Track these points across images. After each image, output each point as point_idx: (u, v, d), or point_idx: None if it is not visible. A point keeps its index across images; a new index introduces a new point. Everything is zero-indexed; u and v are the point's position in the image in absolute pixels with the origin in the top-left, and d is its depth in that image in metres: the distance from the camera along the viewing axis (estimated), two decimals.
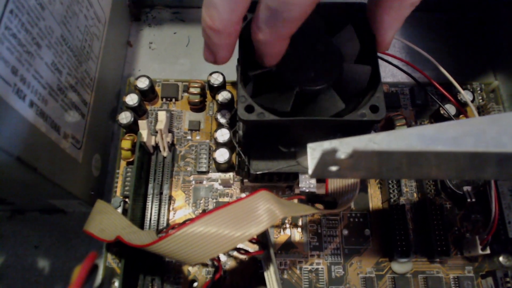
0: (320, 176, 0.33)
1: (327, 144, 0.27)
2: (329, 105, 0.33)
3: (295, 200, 0.39)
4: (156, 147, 0.43)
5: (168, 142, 0.43)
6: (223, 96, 0.44)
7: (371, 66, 0.34)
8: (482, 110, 0.47)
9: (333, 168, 0.26)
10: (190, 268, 0.40)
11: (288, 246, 0.41)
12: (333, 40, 0.34)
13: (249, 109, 0.31)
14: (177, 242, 0.29)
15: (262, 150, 0.37)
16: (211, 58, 0.31)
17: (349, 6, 0.35)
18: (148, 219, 0.40)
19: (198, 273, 0.40)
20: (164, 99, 0.47)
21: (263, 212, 0.28)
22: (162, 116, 0.42)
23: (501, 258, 0.41)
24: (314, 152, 0.28)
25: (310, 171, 0.26)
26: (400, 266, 0.40)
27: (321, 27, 0.35)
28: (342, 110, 0.33)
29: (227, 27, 0.28)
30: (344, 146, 0.25)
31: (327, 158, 0.25)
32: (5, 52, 0.26)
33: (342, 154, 0.24)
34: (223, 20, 0.27)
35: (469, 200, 0.40)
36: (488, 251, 0.39)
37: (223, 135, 0.41)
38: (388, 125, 0.44)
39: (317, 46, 0.33)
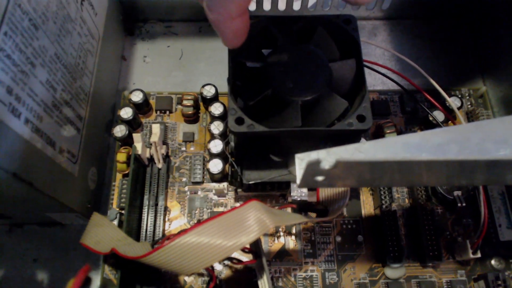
0: (309, 185, 0.34)
1: (314, 155, 0.28)
2: (332, 107, 0.34)
3: (288, 209, 0.40)
4: (151, 159, 0.43)
5: (163, 154, 0.43)
6: (215, 107, 0.44)
7: (358, 77, 0.35)
8: (471, 116, 0.48)
9: (320, 178, 0.27)
10: (186, 278, 0.41)
11: (282, 254, 0.42)
12: (311, 46, 0.35)
13: (239, 121, 0.32)
14: (170, 253, 0.29)
15: (254, 160, 0.38)
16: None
17: (336, 18, 0.36)
18: (144, 230, 0.41)
19: (194, 282, 0.40)
20: (158, 112, 0.48)
21: (253, 222, 0.29)
22: (156, 128, 0.43)
23: (492, 261, 0.42)
24: (301, 162, 0.29)
25: (298, 181, 0.27)
26: (393, 271, 0.41)
27: (294, 38, 0.36)
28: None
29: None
30: (331, 156, 0.26)
31: (313, 168, 0.25)
32: (0, 73, 0.27)
33: (326, 165, 0.25)
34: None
35: (459, 204, 0.41)
36: (479, 255, 0.39)
37: (216, 146, 0.42)
38: (378, 132, 0.45)
39: (299, 56, 0.34)
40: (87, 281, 0.26)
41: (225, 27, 0.29)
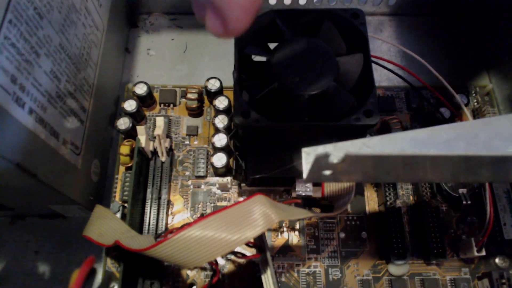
0: (316, 180, 0.34)
1: (321, 149, 0.27)
2: (339, 102, 0.34)
3: (292, 204, 0.39)
4: (155, 152, 0.43)
5: (166, 147, 0.43)
6: (220, 101, 0.44)
7: (365, 71, 0.35)
8: (477, 113, 0.47)
9: (327, 172, 0.26)
10: (188, 272, 0.40)
11: (286, 249, 0.42)
12: (318, 40, 0.34)
13: (245, 114, 0.32)
14: (174, 246, 0.29)
15: (259, 155, 0.38)
16: (219, 28, 0.23)
17: (344, 12, 0.36)
18: (147, 224, 0.41)
19: (197, 276, 0.40)
20: (162, 105, 0.47)
21: (258, 216, 0.29)
22: (160, 121, 0.42)
23: (497, 260, 0.41)
24: (308, 156, 0.28)
25: (305, 175, 0.27)
26: (397, 269, 0.40)
27: (301, 32, 0.36)
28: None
29: None
30: (338, 151, 0.26)
31: (321, 162, 0.25)
32: (4, 62, 0.27)
33: (335, 159, 0.24)
34: None
35: (464, 202, 0.41)
36: (483, 253, 0.39)
37: (221, 140, 0.42)
38: (384, 128, 0.45)
39: (306, 50, 0.34)
40: (92, 272, 0.26)
41: (232, 3, 0.22)
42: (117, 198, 0.43)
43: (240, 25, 0.22)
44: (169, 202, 0.43)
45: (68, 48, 0.36)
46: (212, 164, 0.41)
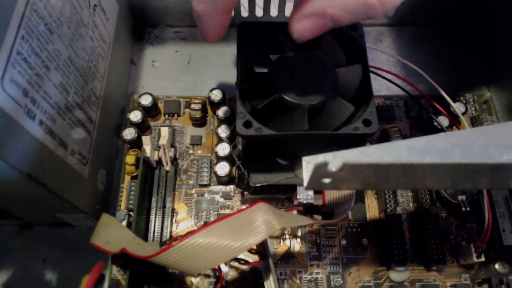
0: (316, 188, 0.35)
1: (320, 158, 0.28)
2: (339, 111, 0.35)
3: (294, 212, 0.40)
4: (159, 162, 0.44)
5: (171, 156, 0.44)
6: (223, 111, 0.45)
7: (364, 82, 0.36)
8: (475, 121, 0.48)
9: (327, 180, 0.27)
10: (193, 279, 0.41)
11: (288, 256, 0.42)
12: (318, 52, 0.35)
13: (247, 124, 0.33)
14: (179, 253, 0.30)
15: (261, 163, 0.39)
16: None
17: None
18: (152, 232, 0.42)
19: (201, 283, 0.41)
20: (166, 115, 0.48)
21: (261, 223, 0.30)
22: (164, 131, 0.43)
23: (496, 266, 0.42)
24: (308, 165, 0.29)
25: (305, 183, 0.28)
26: (398, 275, 0.41)
27: (301, 44, 0.37)
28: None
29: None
30: (337, 159, 0.27)
31: (320, 171, 0.26)
32: (17, 76, 0.28)
33: (334, 167, 0.25)
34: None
35: (463, 209, 0.41)
36: (483, 259, 0.40)
37: (224, 149, 0.43)
38: (383, 137, 0.46)
39: (306, 62, 0.35)
40: (101, 278, 0.27)
41: (209, 20, 0.29)
42: (122, 207, 0.44)
43: (213, 39, 0.31)
44: (173, 210, 0.44)
45: (76, 62, 0.37)
46: (215, 173, 0.42)
